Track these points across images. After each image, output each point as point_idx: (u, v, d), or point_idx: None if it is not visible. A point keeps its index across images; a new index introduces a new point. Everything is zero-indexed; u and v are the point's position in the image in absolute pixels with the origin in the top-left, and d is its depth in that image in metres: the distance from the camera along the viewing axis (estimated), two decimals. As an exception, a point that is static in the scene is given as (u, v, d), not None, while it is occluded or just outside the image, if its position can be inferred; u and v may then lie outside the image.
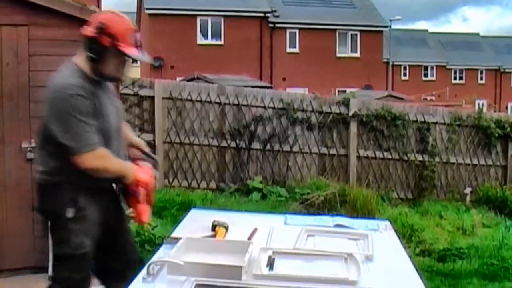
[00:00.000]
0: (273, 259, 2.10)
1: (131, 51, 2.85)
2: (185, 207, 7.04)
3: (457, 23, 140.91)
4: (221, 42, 26.60)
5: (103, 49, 2.82)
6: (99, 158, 2.82)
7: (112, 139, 2.96)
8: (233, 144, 9.40)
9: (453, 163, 10.52)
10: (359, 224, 2.71)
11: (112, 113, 3.00)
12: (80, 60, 2.91)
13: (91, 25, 2.87)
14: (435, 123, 10.40)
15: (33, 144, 4.98)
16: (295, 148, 9.72)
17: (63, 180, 2.87)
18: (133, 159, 3.13)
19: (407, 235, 7.10)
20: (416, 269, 2.10)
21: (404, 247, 2.46)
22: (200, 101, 9.23)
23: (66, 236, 2.82)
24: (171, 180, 9.23)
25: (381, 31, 30.37)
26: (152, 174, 3.02)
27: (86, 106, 2.81)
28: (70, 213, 2.84)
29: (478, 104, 26.96)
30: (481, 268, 5.93)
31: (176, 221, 3.69)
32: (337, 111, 9.88)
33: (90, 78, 2.89)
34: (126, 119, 8.67)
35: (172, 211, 7.52)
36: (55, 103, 2.83)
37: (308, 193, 8.60)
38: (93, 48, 2.83)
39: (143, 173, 2.96)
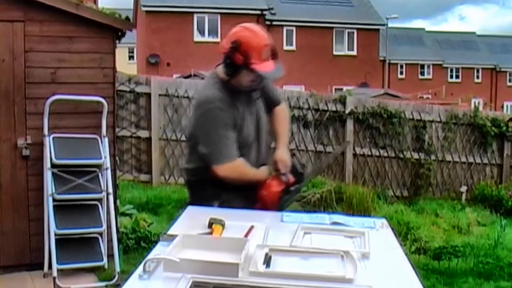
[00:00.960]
0: (270, 257, 2.09)
1: (263, 68, 2.88)
2: (181, 204, 7.02)
3: (454, 21, 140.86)
4: (218, 39, 26.51)
5: (236, 66, 2.90)
6: (234, 169, 2.95)
7: (251, 149, 3.06)
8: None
9: (449, 161, 10.54)
10: (356, 222, 2.70)
11: (252, 123, 3.06)
12: (221, 69, 3.01)
13: (228, 39, 2.93)
14: (431, 121, 10.41)
15: (29, 141, 4.96)
16: (291, 146, 9.71)
17: (206, 179, 3.00)
18: (275, 171, 3.15)
19: (403, 233, 7.12)
20: (413, 267, 2.10)
21: (400, 245, 2.46)
22: (197, 99, 9.20)
23: None
24: (167, 177, 9.21)
25: (378, 29, 30.39)
26: (277, 191, 3.05)
27: (225, 119, 2.91)
28: (216, 205, 2.98)
29: (474, 102, 26.97)
30: (476, 267, 5.94)
31: (172, 218, 3.69)
32: (334, 108, 9.88)
33: (229, 89, 2.97)
34: (122, 117, 8.74)
35: (168, 208, 7.51)
36: (197, 116, 2.99)
37: (304, 191, 8.60)
38: (227, 63, 2.93)
39: (266, 189, 3.03)
